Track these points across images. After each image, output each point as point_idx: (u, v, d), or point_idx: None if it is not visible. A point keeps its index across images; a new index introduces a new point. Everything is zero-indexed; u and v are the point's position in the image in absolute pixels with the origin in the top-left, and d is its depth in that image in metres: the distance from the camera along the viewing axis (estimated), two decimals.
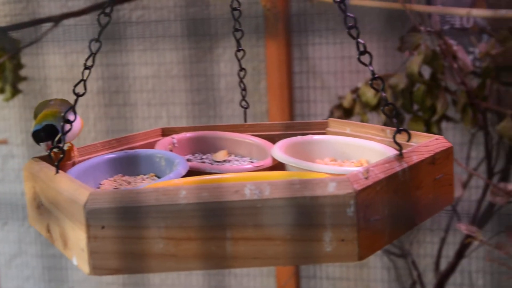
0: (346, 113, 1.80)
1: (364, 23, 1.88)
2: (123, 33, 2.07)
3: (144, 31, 2.06)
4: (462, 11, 1.70)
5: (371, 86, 0.80)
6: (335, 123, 1.06)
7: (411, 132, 0.89)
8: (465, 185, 1.82)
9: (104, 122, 2.11)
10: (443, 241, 1.89)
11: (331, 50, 2.01)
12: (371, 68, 0.79)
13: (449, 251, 1.94)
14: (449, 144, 0.87)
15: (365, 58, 0.81)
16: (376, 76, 0.80)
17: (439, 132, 1.69)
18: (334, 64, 2.01)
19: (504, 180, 1.81)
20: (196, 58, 2.03)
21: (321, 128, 1.07)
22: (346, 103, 1.80)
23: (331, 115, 1.82)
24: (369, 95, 1.75)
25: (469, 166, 1.91)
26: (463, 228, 1.61)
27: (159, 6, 2.02)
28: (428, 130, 1.70)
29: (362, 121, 1.75)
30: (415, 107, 1.70)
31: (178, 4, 1.98)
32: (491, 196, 1.67)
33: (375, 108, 1.75)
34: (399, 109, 1.71)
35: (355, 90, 1.81)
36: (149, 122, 2.09)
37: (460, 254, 1.83)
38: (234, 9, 1.06)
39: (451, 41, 1.81)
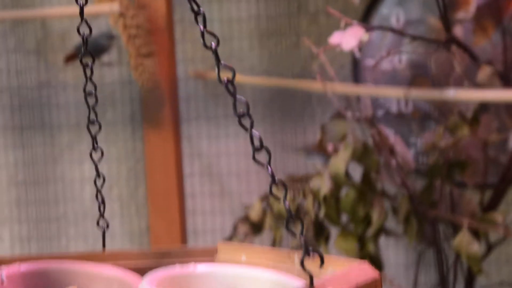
0: (255, 228, 1.81)
1: (273, 108, 1.98)
2: None
3: None
4: (399, 91, 1.77)
5: (270, 193, 0.81)
6: (226, 249, 1.04)
7: (325, 256, 0.87)
8: None
9: None
10: None
11: (232, 144, 2.05)
12: (269, 170, 0.81)
13: None
14: (375, 274, 0.85)
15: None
16: (276, 180, 0.81)
17: (377, 250, 1.71)
18: (236, 162, 2.06)
19: None
20: (52, 158, 2.04)
21: (208, 255, 1.05)
22: (254, 214, 1.81)
23: (235, 230, 1.82)
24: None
25: None
26: None
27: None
28: (363, 248, 1.71)
29: (274, 238, 1.76)
30: (344, 218, 1.72)
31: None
32: None
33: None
34: (323, 222, 1.72)
35: (265, 197, 1.81)
36: None
37: None
38: (88, 93, 1.06)
39: (387, 131, 1.81)
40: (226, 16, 2.02)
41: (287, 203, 0.82)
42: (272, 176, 0.81)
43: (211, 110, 2.05)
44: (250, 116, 0.81)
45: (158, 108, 1.94)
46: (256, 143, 0.81)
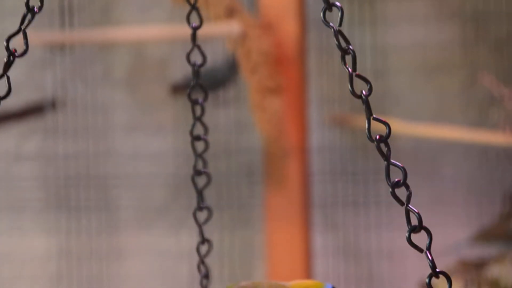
0: None
1: (438, 167, 2.00)
2: None
3: None
4: None
5: (428, 287, 0.83)
6: None
7: None
8: None
9: None
10: None
11: (384, 214, 2.02)
12: (429, 256, 0.83)
13: None
14: None
15: None
16: (436, 270, 0.82)
17: None
18: (388, 239, 2.03)
19: None
20: None
21: None
22: None
23: None
24: None
25: None
26: None
27: None
28: None
29: None
30: None
31: None
32: None
33: None
34: None
35: (424, 285, 1.81)
36: None
37: None
38: (195, 137, 1.11)
39: None
40: (381, 43, 2.04)
41: None
42: (433, 265, 0.83)
43: (353, 166, 2.06)
44: (407, 187, 0.84)
45: (283, 162, 1.93)
46: (414, 221, 0.84)
